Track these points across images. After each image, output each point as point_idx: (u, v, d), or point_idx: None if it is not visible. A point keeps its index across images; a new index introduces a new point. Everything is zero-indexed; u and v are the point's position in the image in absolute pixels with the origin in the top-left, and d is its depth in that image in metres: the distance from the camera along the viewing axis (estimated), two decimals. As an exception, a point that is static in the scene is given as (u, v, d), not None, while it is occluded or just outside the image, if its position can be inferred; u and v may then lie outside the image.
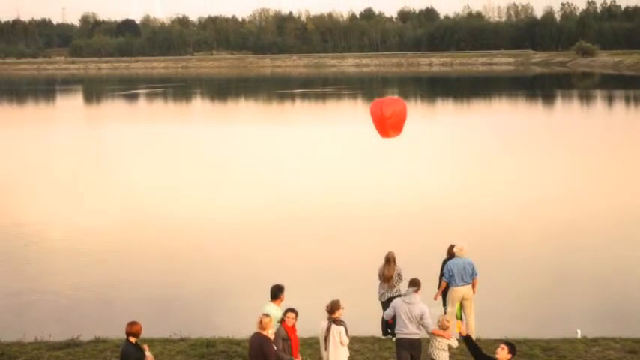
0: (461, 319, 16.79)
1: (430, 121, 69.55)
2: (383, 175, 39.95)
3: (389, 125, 19.47)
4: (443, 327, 13.83)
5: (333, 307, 13.29)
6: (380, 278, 17.13)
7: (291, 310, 13.19)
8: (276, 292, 13.85)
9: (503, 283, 21.09)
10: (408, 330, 14.19)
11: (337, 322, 13.28)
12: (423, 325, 14.08)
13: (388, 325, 16.61)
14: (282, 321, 13.10)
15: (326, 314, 13.15)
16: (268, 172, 41.48)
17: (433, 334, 13.96)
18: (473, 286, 17.09)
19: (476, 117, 72.76)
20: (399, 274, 16.95)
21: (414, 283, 14.39)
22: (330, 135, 59.09)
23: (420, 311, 14.07)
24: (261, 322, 12.58)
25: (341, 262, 23.59)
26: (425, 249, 23.11)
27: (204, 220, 30.08)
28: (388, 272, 16.98)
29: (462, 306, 17.07)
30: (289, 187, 36.84)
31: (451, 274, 16.90)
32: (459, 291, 16.91)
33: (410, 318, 14.14)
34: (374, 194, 34.37)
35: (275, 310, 13.47)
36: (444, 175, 39.73)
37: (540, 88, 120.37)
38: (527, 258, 23.96)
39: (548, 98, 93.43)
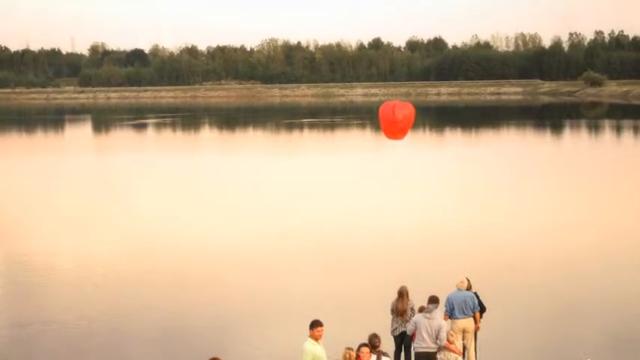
0: (463, 352, 16.70)
1: (438, 151, 69.45)
2: (391, 203, 39.83)
3: (398, 128, 19.72)
4: (449, 341, 15.17)
5: (376, 341, 14.02)
6: (392, 313, 17.01)
7: (365, 345, 13.60)
8: (311, 326, 13.84)
9: (510, 312, 20.90)
10: (425, 344, 15.37)
11: (383, 353, 14.06)
12: (437, 338, 15.22)
13: (405, 341, 16.78)
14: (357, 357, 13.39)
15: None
16: (276, 201, 41.35)
17: (445, 348, 15.21)
18: (476, 321, 17.03)
19: (484, 146, 72.64)
20: (412, 309, 16.87)
21: (434, 300, 15.65)
22: (337, 164, 58.99)
23: (438, 325, 15.33)
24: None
25: (350, 293, 23.40)
26: (433, 278, 22.90)
27: (212, 249, 29.93)
28: (402, 306, 16.91)
29: (463, 338, 16.97)
30: (297, 216, 36.70)
31: (452, 308, 16.91)
32: (460, 324, 16.86)
33: (429, 332, 15.34)
34: (382, 223, 34.20)
35: (311, 345, 13.54)
36: (452, 203, 39.55)
37: (548, 117, 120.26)
38: (534, 286, 23.75)
39: (557, 128, 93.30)
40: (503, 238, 30.98)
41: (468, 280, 17.29)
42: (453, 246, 29.46)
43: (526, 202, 39.82)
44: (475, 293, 17.18)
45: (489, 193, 43.63)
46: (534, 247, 29.17)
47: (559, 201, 40.27)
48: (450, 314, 16.89)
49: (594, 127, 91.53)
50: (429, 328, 15.35)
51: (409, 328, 15.98)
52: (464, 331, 16.93)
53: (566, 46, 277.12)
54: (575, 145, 72.81)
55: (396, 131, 19.63)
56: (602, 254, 28.28)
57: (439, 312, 15.64)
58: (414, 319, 15.90)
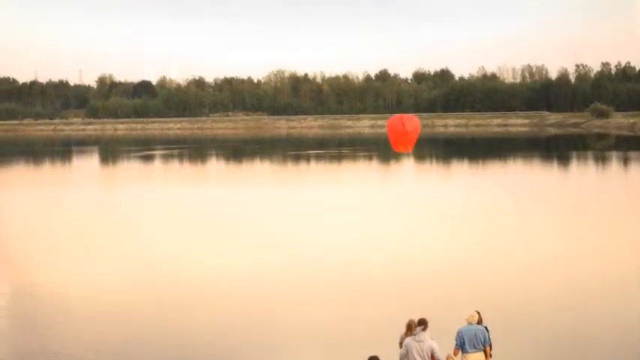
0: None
1: (445, 182, 69.43)
2: (399, 234, 39.76)
3: (408, 140, 20.09)
4: None
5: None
6: (400, 345, 16.93)
7: None
8: None
9: (517, 343, 20.79)
10: None
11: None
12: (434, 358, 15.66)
13: None
14: None
15: None
16: (283, 232, 41.30)
17: None
18: (486, 355, 16.95)
19: (491, 178, 72.60)
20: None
21: (422, 323, 16.01)
22: (345, 195, 58.96)
23: (429, 347, 15.67)
24: None
25: (358, 324, 23.31)
26: (441, 309, 22.81)
27: (220, 279, 29.91)
28: (410, 340, 16.88)
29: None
30: (305, 246, 36.67)
31: (462, 341, 16.83)
32: (470, 358, 16.78)
33: (421, 355, 15.65)
34: (390, 254, 34.16)
35: None
36: (459, 234, 39.46)
37: (555, 149, 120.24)
38: (540, 317, 23.64)
39: (563, 159, 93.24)
40: (510, 269, 30.87)
41: (479, 314, 17.24)
42: (461, 277, 29.39)
43: (533, 233, 39.71)
44: (485, 327, 17.12)
45: (496, 224, 43.54)
46: (541, 278, 29.06)
47: (566, 232, 40.17)
48: (461, 348, 16.82)
49: (601, 159, 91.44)
50: (420, 350, 15.66)
51: (401, 352, 16.04)
52: (475, 366, 16.89)
53: (572, 77, 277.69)
54: (582, 176, 72.71)
55: (405, 142, 19.97)
56: (610, 285, 28.17)
57: (427, 334, 15.84)
58: (404, 342, 16.06)
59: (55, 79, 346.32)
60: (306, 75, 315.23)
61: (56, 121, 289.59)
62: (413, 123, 19.98)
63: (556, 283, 28.37)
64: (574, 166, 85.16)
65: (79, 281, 30.26)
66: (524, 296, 26.64)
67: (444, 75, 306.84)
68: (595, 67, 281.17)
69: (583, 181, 68.84)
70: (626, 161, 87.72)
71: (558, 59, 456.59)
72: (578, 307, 25.28)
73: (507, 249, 35.75)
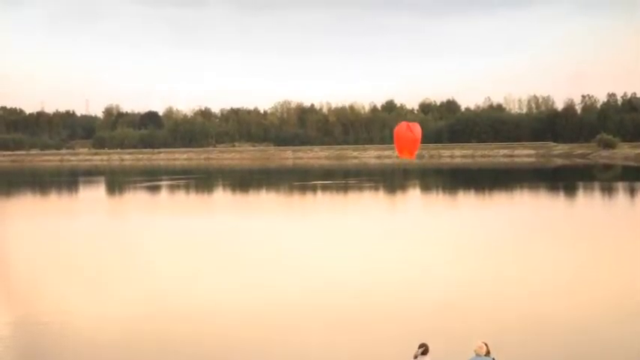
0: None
1: (452, 212, 69.38)
2: (406, 263, 39.70)
3: (415, 147, 20.89)
4: None
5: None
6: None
7: None
8: None
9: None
10: None
11: None
12: None
13: None
14: None
15: None
16: (290, 262, 41.27)
17: None
18: None
19: (497, 208, 72.53)
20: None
21: (422, 346, 16.89)
22: (352, 225, 58.94)
23: None
24: None
25: (367, 354, 23.28)
26: (449, 339, 22.75)
27: (228, 309, 29.88)
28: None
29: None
30: (310, 277, 36.61)
31: None
32: None
33: None
34: (397, 283, 34.10)
35: None
36: (466, 264, 39.38)
37: (562, 180, 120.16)
38: (550, 349, 23.57)
39: (570, 190, 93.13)
40: (518, 299, 30.78)
41: (486, 345, 17.19)
42: (468, 306, 29.32)
43: (540, 262, 39.64)
44: (493, 359, 17.07)
45: (503, 254, 43.47)
46: (550, 308, 28.97)
47: (573, 261, 40.08)
48: (469, 379, 16.82)
49: (607, 190, 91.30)
50: None
51: None
52: (482, 397, 16.85)
53: (578, 108, 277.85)
54: (588, 207, 72.61)
55: (412, 149, 20.56)
56: (619, 313, 28.08)
57: (428, 358, 16.37)
58: None
59: (62, 109, 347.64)
60: (312, 105, 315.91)
61: (63, 151, 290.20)
62: (418, 130, 20.65)
63: (564, 313, 28.29)
64: (580, 196, 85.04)
65: (86, 311, 30.22)
66: (533, 326, 26.56)
67: (450, 106, 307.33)
68: (601, 98, 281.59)
69: (589, 211, 68.73)
70: (632, 192, 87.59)
71: (564, 90, 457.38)
72: (587, 336, 25.21)
73: (515, 279, 35.66)
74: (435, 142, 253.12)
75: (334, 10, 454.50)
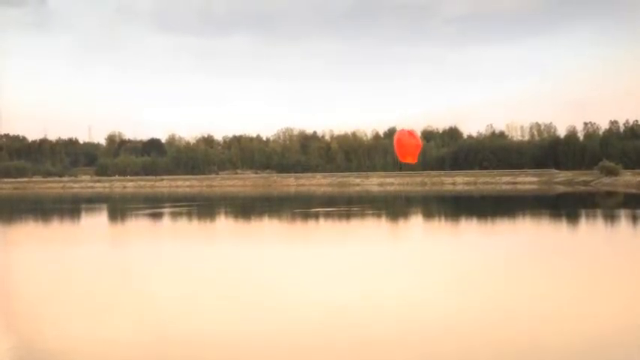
0: None
1: (454, 240, 69.27)
2: (407, 293, 39.60)
3: (417, 152, 21.21)
4: None
5: None
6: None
7: None
8: None
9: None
10: None
11: None
12: None
13: None
14: None
15: None
16: (292, 290, 41.17)
17: None
18: None
19: (500, 235, 72.45)
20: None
21: None
22: (354, 253, 58.84)
23: None
24: None
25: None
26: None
27: (229, 337, 29.78)
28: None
29: None
30: (311, 305, 36.50)
31: None
32: None
33: None
34: (397, 313, 33.99)
35: None
36: (469, 293, 39.28)
37: (564, 207, 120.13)
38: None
39: (573, 217, 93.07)
40: (520, 327, 30.70)
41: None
42: (471, 335, 29.24)
43: (542, 291, 39.54)
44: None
45: (506, 282, 43.37)
46: (551, 337, 28.88)
47: (575, 289, 39.98)
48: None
49: (610, 217, 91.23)
50: None
51: None
52: None
53: (581, 135, 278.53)
54: (591, 234, 72.53)
55: (415, 154, 20.90)
56: (619, 343, 27.98)
57: None
58: None
59: (65, 136, 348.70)
60: (314, 133, 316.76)
61: (65, 178, 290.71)
62: (418, 136, 21.06)
63: (566, 342, 28.19)
64: (583, 224, 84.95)
65: (88, 337, 30.16)
66: (534, 356, 26.47)
67: (453, 133, 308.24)
68: (603, 125, 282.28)
69: (592, 239, 68.62)
70: (634, 219, 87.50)
71: (566, 117, 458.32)
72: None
73: (517, 307, 35.55)
74: (438, 170, 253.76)
75: (339, 39, 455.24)
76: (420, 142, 21.24)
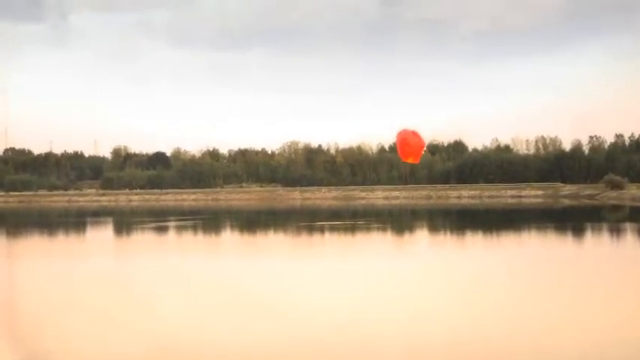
0: None
1: (459, 254, 69.23)
2: (412, 306, 39.57)
3: (420, 152, 21.41)
4: None
5: None
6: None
7: None
8: None
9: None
10: None
11: None
12: None
13: None
14: None
15: None
16: (296, 304, 41.14)
17: None
18: None
19: (505, 249, 72.38)
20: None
21: None
22: (360, 267, 58.81)
23: None
24: None
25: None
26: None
27: (232, 351, 29.76)
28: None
29: None
30: (315, 319, 36.49)
31: None
32: None
33: None
34: (403, 326, 33.96)
35: None
36: (475, 307, 39.24)
37: (570, 220, 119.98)
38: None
39: (578, 231, 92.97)
40: (526, 342, 30.65)
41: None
42: (477, 347, 29.20)
43: (547, 304, 39.49)
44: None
45: (511, 295, 43.32)
46: (557, 350, 28.84)
47: (580, 302, 39.92)
48: None
49: (616, 231, 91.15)
50: None
51: None
52: None
53: (586, 149, 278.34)
54: (597, 248, 72.42)
55: (417, 154, 21.12)
56: (622, 356, 27.92)
57: None
58: None
59: (70, 150, 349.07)
60: (320, 146, 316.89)
61: (71, 192, 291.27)
62: (421, 136, 21.19)
63: (572, 354, 28.15)
64: (589, 237, 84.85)
65: (93, 351, 30.16)
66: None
67: (458, 146, 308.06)
68: (609, 139, 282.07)
69: (598, 252, 68.52)
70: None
71: (572, 131, 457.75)
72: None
73: (523, 320, 35.52)
74: (443, 183, 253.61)
75: (351, 53, 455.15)
76: (424, 142, 21.28)
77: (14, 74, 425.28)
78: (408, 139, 21.39)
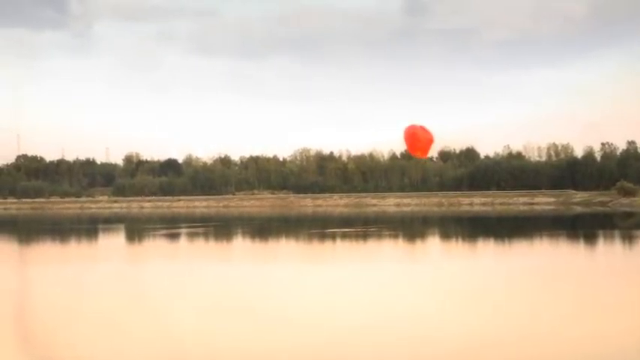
0: None
1: (471, 261, 69.14)
2: (422, 312, 39.53)
3: (429, 146, 21.24)
4: None
5: None
6: None
7: None
8: None
9: None
10: None
11: None
12: None
13: None
14: None
15: None
16: (306, 311, 41.15)
17: None
18: None
19: (516, 257, 72.24)
20: None
21: None
22: (371, 274, 58.78)
23: None
24: None
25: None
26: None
27: (246, 356, 29.78)
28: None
29: None
30: (325, 325, 36.47)
31: None
32: None
33: None
34: (413, 334, 33.94)
35: None
36: (488, 315, 39.19)
37: (582, 228, 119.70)
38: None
39: (590, 238, 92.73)
40: (534, 349, 30.61)
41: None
42: (488, 356, 29.14)
43: (559, 311, 39.40)
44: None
45: (524, 303, 43.23)
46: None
47: (591, 310, 39.81)
48: None
49: (628, 238, 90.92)
50: None
51: None
52: None
53: (598, 156, 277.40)
54: (609, 255, 72.24)
55: (426, 149, 20.91)
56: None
57: None
58: None
59: (82, 157, 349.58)
60: (331, 153, 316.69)
61: (82, 199, 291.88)
62: (430, 131, 20.97)
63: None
64: (601, 245, 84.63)
65: (104, 357, 30.20)
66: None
67: (470, 153, 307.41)
68: (621, 146, 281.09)
69: (610, 260, 68.32)
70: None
71: (583, 137, 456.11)
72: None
73: (534, 328, 35.45)
74: (455, 190, 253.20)
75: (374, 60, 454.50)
76: (433, 136, 21.14)
77: (32, 81, 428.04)
78: (417, 133, 21.25)
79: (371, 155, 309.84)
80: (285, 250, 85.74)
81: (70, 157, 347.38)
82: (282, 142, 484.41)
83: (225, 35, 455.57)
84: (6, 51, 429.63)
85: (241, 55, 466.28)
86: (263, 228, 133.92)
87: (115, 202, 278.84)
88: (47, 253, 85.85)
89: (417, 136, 20.95)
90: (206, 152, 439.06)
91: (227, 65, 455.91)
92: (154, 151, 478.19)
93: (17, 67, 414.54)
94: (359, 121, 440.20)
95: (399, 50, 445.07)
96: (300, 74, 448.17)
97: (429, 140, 21.25)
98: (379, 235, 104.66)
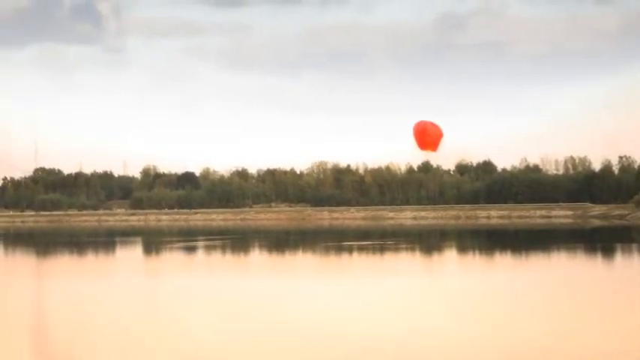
0: None
1: (488, 275, 69.03)
2: (439, 325, 39.50)
3: (439, 141, 21.08)
4: None
5: None
6: None
7: None
8: None
9: None
10: None
11: None
12: None
13: None
14: None
15: None
16: (324, 324, 41.18)
17: None
18: None
19: (534, 270, 72.10)
20: None
21: None
22: (388, 287, 58.77)
23: None
24: None
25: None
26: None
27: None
28: None
29: None
30: (344, 338, 36.49)
31: None
32: None
33: None
34: (434, 348, 33.94)
35: None
36: (504, 328, 39.16)
37: (599, 241, 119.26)
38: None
39: (608, 252, 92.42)
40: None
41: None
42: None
43: (577, 326, 39.33)
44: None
45: (543, 317, 43.16)
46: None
47: (608, 325, 39.70)
48: None
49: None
50: None
51: None
52: None
53: (616, 169, 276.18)
54: (627, 269, 72.04)
55: (436, 143, 20.85)
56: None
57: None
58: None
59: (100, 170, 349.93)
60: (348, 166, 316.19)
61: (100, 212, 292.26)
62: (440, 127, 21.03)
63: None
64: (619, 258, 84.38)
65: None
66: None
67: (487, 166, 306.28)
68: (638, 159, 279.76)
69: (628, 274, 68.12)
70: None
71: (601, 150, 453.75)
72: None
73: (553, 342, 35.40)
74: (472, 203, 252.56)
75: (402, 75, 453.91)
76: (442, 132, 21.19)
77: (60, 94, 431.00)
78: (427, 128, 21.32)
79: (388, 168, 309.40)
80: (302, 263, 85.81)
81: (87, 170, 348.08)
82: (299, 155, 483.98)
83: (255, 51, 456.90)
84: (39, 64, 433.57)
85: (268, 71, 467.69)
86: (280, 241, 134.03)
87: (133, 215, 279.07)
88: (65, 266, 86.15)
89: (427, 131, 21.03)
90: (223, 165, 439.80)
91: (254, 80, 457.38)
92: (172, 164, 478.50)
93: (47, 80, 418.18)
94: (376, 134, 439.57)
95: (428, 63, 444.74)
96: (325, 88, 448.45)
97: (438, 135, 21.31)
98: (396, 249, 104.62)
